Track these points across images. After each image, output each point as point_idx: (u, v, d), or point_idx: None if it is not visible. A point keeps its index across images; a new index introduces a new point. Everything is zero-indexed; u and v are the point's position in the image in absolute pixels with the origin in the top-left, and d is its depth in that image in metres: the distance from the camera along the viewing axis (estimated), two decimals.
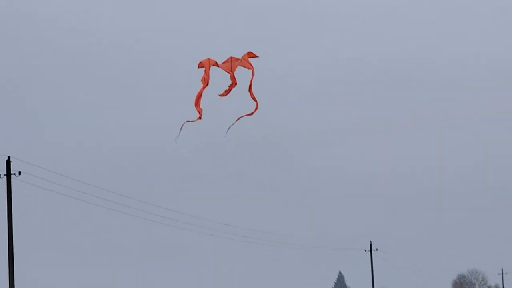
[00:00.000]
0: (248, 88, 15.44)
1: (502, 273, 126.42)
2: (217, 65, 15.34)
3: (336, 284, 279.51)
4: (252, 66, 15.24)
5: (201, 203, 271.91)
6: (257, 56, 15.25)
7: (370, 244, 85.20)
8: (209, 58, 15.20)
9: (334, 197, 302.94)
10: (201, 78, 15.26)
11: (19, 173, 45.94)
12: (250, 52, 15.24)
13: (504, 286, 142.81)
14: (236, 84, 15.47)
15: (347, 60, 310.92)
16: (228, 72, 15.45)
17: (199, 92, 15.17)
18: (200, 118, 15.25)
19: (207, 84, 15.11)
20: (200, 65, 15.08)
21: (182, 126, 15.37)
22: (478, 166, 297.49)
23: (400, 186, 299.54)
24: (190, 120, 15.35)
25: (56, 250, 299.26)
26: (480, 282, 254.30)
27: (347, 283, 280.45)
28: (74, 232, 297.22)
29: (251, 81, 15.26)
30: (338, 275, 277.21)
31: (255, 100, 15.51)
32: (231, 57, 15.30)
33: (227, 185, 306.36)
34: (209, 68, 15.17)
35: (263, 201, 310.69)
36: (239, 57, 15.11)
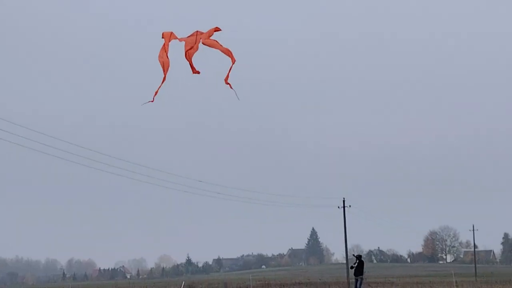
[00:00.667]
0: (225, 77, 14.29)
1: (473, 230, 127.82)
2: (179, 39, 14.32)
3: (309, 240, 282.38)
4: (231, 55, 14.22)
5: (176, 160, 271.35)
6: (219, 30, 14.32)
7: (343, 201, 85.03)
8: (172, 32, 14.38)
9: (308, 155, 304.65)
10: (161, 47, 14.43)
11: None
12: (216, 27, 14.21)
13: (475, 242, 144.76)
14: (196, 49, 14.43)
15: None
16: (187, 50, 14.25)
17: (164, 66, 14.28)
18: (156, 92, 14.38)
19: (167, 61, 14.18)
20: (162, 36, 14.43)
21: (144, 103, 14.53)
22: (450, 126, 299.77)
23: (374, 145, 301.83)
24: (145, 102, 14.56)
25: (30, 204, 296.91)
26: (452, 238, 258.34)
27: (320, 240, 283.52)
28: (49, 188, 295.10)
29: (230, 70, 14.29)
30: (311, 232, 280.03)
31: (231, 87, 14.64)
32: (196, 31, 14.25)
33: (203, 143, 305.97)
34: (169, 40, 14.38)
35: (239, 159, 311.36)
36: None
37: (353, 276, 41.38)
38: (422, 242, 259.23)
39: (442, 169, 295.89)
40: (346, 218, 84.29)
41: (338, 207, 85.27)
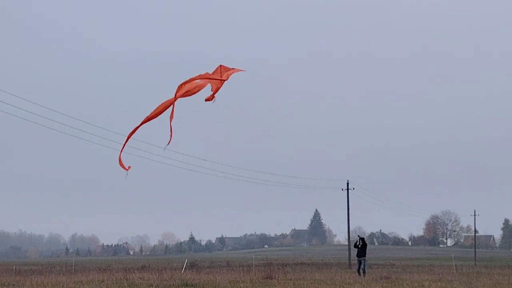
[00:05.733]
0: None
1: (475, 215, 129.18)
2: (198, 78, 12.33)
3: (312, 221, 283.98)
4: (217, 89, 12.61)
5: (181, 138, 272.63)
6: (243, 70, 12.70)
7: (347, 183, 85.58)
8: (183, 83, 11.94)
9: (313, 137, 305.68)
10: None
11: None
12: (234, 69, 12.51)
13: (476, 227, 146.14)
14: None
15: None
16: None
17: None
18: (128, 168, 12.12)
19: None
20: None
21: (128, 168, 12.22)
22: (453, 110, 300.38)
23: (377, 129, 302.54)
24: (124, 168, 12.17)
25: (29, 177, 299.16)
26: (453, 223, 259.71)
27: (323, 221, 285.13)
28: (54, 163, 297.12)
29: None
30: (315, 213, 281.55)
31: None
32: (220, 66, 12.56)
33: (207, 121, 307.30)
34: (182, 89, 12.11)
35: (242, 139, 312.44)
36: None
37: (355, 258, 42.27)
38: (424, 226, 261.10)
39: (444, 154, 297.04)
40: (349, 201, 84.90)
41: (342, 189, 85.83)
